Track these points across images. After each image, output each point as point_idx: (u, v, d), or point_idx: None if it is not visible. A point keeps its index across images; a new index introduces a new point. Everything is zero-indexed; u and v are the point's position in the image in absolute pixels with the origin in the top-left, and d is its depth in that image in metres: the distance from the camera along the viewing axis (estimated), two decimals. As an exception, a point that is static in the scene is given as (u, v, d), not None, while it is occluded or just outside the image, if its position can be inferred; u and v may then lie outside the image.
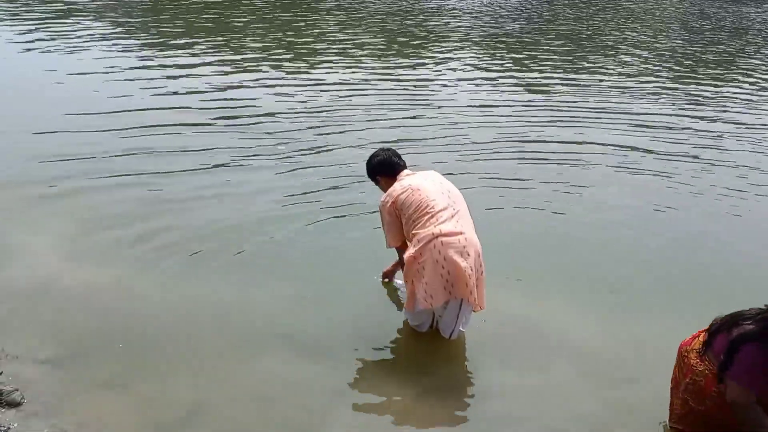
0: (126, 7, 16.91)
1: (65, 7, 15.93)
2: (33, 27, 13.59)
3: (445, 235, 4.19)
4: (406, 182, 4.46)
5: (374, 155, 4.72)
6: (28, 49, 11.87)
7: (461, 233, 4.23)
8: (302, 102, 9.80)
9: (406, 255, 4.30)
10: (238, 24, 15.89)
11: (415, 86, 11.30)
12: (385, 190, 4.60)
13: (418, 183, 4.42)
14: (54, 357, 4.12)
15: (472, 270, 4.20)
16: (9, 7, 15.66)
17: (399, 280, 4.88)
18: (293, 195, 6.64)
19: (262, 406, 3.93)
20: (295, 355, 4.36)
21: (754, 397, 3.26)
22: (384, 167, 4.65)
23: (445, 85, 11.57)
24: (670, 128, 9.71)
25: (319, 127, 8.74)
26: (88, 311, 4.64)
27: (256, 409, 3.90)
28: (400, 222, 4.40)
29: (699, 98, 11.74)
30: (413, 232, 4.29)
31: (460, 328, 4.48)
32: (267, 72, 11.62)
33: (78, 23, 14.38)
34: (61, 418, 3.67)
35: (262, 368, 4.23)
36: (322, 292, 5.03)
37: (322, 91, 10.49)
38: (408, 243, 4.38)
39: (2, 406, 3.68)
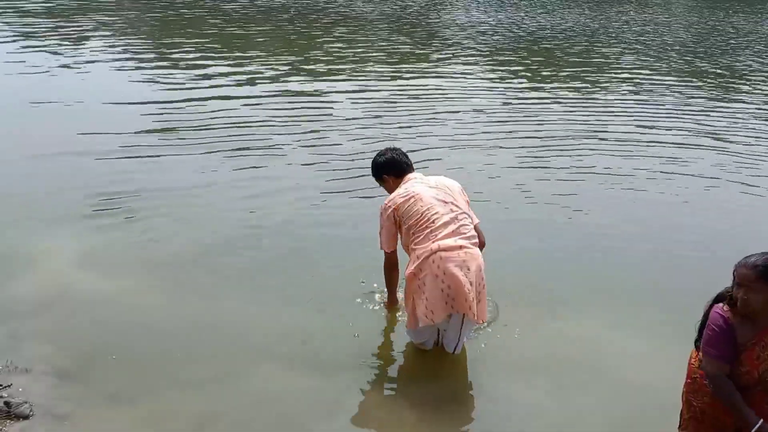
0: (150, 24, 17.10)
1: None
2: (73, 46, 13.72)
3: (444, 249, 4.18)
4: (411, 188, 4.40)
5: (380, 154, 4.68)
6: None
7: (461, 247, 4.22)
8: (314, 118, 9.84)
9: (407, 272, 4.31)
10: (261, 39, 16.05)
11: (432, 95, 11.36)
12: (390, 190, 4.57)
13: (422, 191, 4.37)
14: (62, 370, 4.18)
15: (471, 285, 4.18)
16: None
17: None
18: (298, 206, 6.69)
19: (269, 418, 3.98)
20: (300, 370, 4.39)
21: (716, 367, 3.09)
22: (390, 166, 4.60)
23: (467, 95, 11.62)
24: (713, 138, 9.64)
25: (341, 132, 8.88)
26: (97, 324, 4.71)
27: (262, 422, 3.95)
28: (398, 230, 4.40)
29: (723, 112, 11.61)
30: (413, 246, 4.30)
31: (464, 341, 4.48)
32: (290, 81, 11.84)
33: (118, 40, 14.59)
34: (70, 431, 3.73)
35: (268, 382, 4.27)
36: (328, 306, 5.05)
37: (340, 103, 10.58)
38: (408, 256, 4.39)
39: (11, 419, 3.74)
